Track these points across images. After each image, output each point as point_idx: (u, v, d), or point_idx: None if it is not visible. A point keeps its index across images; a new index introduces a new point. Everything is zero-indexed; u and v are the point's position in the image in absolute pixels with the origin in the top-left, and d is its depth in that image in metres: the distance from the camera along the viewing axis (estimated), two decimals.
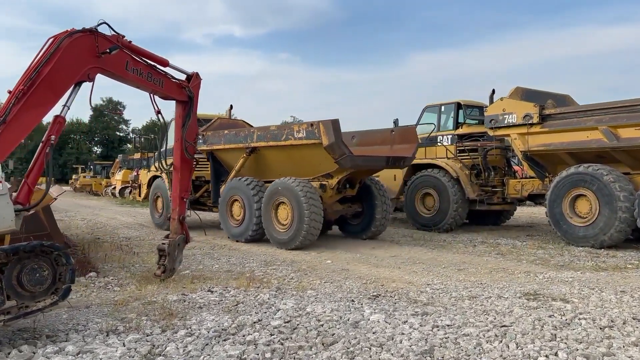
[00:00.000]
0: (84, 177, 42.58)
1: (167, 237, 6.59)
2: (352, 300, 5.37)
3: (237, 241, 10.39)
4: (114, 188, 32.78)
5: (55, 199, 7.49)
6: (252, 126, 12.17)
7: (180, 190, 6.60)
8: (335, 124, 9.18)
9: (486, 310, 5.04)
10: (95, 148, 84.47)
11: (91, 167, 46.44)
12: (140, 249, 9.31)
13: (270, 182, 10.02)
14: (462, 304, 5.30)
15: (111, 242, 9.99)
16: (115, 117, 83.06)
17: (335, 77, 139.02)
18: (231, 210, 10.65)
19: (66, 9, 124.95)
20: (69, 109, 4.98)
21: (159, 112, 6.43)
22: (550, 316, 4.79)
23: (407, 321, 4.62)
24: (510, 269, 7.35)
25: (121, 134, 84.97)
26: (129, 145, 74.72)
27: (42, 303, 3.97)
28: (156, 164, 12.38)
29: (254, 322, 4.57)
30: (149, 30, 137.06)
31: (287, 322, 4.60)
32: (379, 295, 5.68)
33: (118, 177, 32.54)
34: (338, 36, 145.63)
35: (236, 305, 5.23)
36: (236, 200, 10.47)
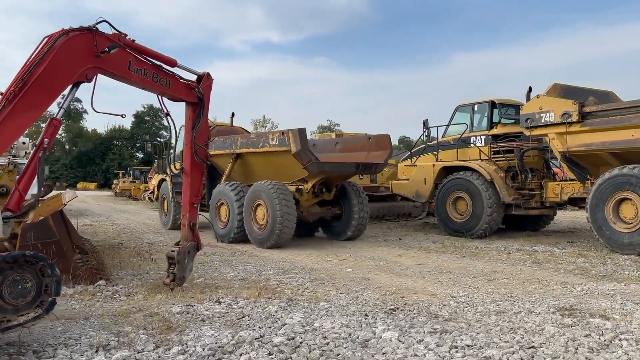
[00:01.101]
0: (123, 182, 43.38)
1: (177, 243, 6.33)
2: (366, 315, 4.95)
3: (221, 242, 10.97)
4: (151, 192, 33.20)
5: (65, 204, 7.33)
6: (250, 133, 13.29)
7: (191, 196, 6.32)
8: (301, 132, 9.93)
9: (514, 328, 4.54)
10: (137, 153, 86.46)
11: (130, 172, 47.35)
12: (160, 254, 9.11)
13: None
14: (488, 320, 4.81)
15: (133, 248, 9.86)
16: (156, 123, 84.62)
17: (373, 80, 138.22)
18: (219, 212, 11.33)
19: (108, 17, 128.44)
20: (65, 110, 4.78)
21: (167, 114, 6.19)
22: (586, 336, 4.26)
23: (422, 340, 4.17)
24: (545, 280, 6.77)
25: (162, 140, 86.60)
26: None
27: (24, 317, 3.72)
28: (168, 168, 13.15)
29: (255, 339, 4.22)
30: (191, 39, 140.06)
31: (291, 339, 4.23)
32: (397, 308, 5.24)
33: (154, 182, 32.94)
34: (376, 39, 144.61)
35: (241, 318, 4.89)
36: (222, 203, 11.15)
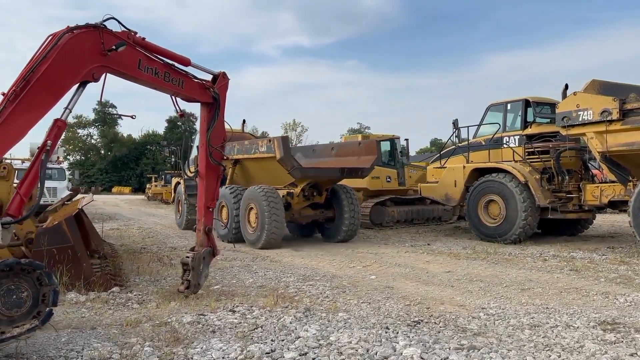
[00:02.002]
0: (155, 186, 43.91)
1: (192, 249, 6.10)
2: (387, 328, 4.60)
3: (222, 241, 11.55)
4: None
5: (79, 209, 7.21)
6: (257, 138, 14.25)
7: (206, 199, 6.08)
8: (284, 140, 10.74)
9: (550, 345, 4.12)
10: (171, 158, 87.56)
11: (162, 176, 47.92)
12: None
13: None
14: (521, 335, 4.40)
15: (155, 252, 9.71)
16: (181, 124, 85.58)
17: (404, 83, 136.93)
18: (221, 214, 12.03)
19: (144, 26, 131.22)
20: (70, 111, 4.59)
21: (182, 115, 5.99)
22: (632, 355, 3.84)
23: (447, 358, 3.81)
24: (584, 290, 6.27)
25: (195, 144, 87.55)
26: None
27: (18, 329, 3.51)
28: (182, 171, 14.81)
29: (265, 353, 3.93)
30: (223, 44, 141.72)
31: (303, 354, 3.92)
32: (421, 321, 4.87)
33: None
34: (406, 41, 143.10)
35: (254, 330, 4.60)
36: (223, 205, 11.88)
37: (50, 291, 3.59)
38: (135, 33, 5.13)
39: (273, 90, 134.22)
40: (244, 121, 15.95)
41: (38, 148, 4.33)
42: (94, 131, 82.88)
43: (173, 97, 5.80)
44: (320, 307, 5.44)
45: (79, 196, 10.33)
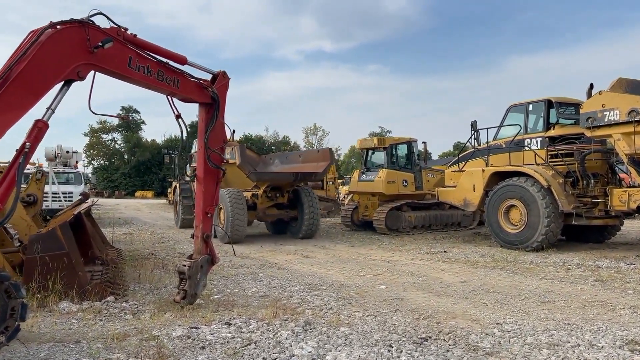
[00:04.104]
0: None
1: (190, 257, 5.80)
2: (390, 346, 4.22)
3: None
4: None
5: (74, 214, 6.98)
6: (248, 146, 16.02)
7: (204, 205, 5.78)
8: (242, 148, 13.16)
9: None
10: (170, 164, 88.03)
11: None
12: None
13: None
14: (538, 356, 3.99)
15: (162, 259, 9.46)
16: (179, 126, 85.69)
17: (427, 86, 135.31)
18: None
19: (170, 32, 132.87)
20: (53, 112, 4.32)
21: (178, 116, 5.68)
22: None
23: None
24: (610, 303, 5.78)
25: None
26: None
27: None
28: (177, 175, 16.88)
29: None
30: (245, 50, 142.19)
31: None
32: (429, 338, 4.47)
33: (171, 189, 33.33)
34: (429, 44, 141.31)
35: (246, 346, 4.27)
36: (221, 208, 12.84)
37: (18, 304, 3.31)
38: (126, 29, 4.86)
39: (295, 95, 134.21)
40: (233, 131, 17.30)
41: (16, 151, 4.06)
42: (117, 136, 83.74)
43: (169, 98, 5.53)
44: (322, 321, 5.08)
45: (89, 201, 10.16)
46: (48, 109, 4.31)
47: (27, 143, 4.07)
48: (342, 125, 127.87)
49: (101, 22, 4.73)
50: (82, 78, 4.49)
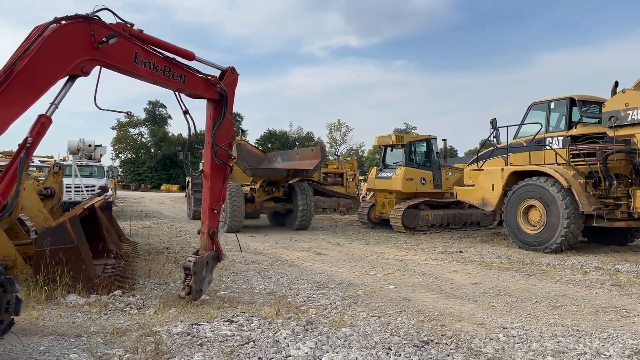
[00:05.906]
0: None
1: (196, 253, 5.80)
2: (389, 349, 4.14)
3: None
4: None
5: (84, 208, 7.06)
6: (253, 145, 18.23)
7: (211, 201, 5.77)
8: (238, 146, 14.46)
9: None
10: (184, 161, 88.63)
11: None
12: None
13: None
14: None
15: (175, 253, 9.53)
16: (234, 128, 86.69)
17: (453, 83, 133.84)
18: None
19: (197, 28, 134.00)
20: (57, 107, 4.35)
21: (186, 112, 5.67)
22: None
23: None
24: (624, 309, 5.59)
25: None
26: None
27: None
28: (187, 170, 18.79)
29: None
30: (271, 46, 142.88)
31: None
32: (431, 341, 4.38)
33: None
34: (456, 40, 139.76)
35: (244, 344, 4.24)
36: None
37: (12, 299, 3.34)
38: (132, 25, 4.87)
39: (320, 91, 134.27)
40: (242, 130, 18.49)
41: (19, 145, 4.10)
42: (144, 130, 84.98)
43: (177, 94, 5.52)
44: (325, 320, 5.02)
45: (103, 195, 10.29)
46: (52, 104, 4.34)
47: (30, 138, 4.10)
48: (367, 122, 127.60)
49: (107, 18, 4.77)
50: (86, 73, 4.51)
